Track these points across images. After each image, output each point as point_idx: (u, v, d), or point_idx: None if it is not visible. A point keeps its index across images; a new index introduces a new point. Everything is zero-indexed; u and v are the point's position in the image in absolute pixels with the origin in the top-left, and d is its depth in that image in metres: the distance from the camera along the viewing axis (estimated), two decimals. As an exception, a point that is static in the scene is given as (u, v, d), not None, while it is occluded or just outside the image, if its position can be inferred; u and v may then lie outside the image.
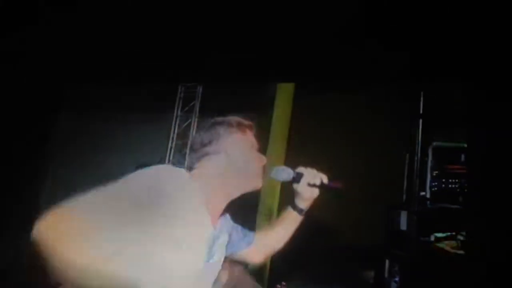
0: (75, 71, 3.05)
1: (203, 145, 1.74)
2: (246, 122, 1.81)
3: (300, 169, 1.85)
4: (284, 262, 2.97)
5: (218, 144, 1.75)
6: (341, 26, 2.80)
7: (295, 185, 1.86)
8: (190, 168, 1.76)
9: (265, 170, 1.79)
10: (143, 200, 1.61)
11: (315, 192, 1.85)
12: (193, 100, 3.17)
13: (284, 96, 3.11)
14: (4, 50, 2.91)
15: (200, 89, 3.17)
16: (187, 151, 1.83)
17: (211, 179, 1.71)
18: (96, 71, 3.04)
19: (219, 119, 1.81)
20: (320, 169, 2.05)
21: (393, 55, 2.88)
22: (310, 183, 1.84)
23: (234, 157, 1.75)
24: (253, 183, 1.77)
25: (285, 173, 1.85)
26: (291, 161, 3.01)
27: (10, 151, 2.93)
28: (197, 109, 3.16)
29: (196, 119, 3.15)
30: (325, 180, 1.84)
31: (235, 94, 3.01)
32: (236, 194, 1.75)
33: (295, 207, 1.89)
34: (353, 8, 2.76)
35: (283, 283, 2.98)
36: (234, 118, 1.83)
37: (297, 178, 1.85)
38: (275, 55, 2.81)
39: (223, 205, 1.75)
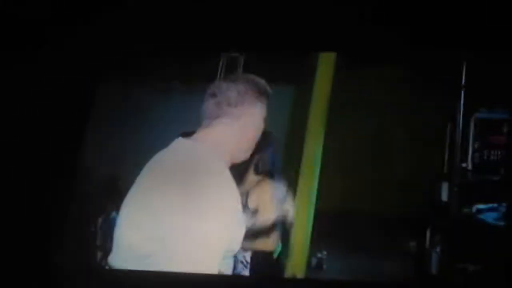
0: (115, 40, 3.05)
1: (229, 104, 1.80)
2: (270, 91, 1.89)
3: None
4: (324, 231, 2.99)
5: (242, 110, 1.81)
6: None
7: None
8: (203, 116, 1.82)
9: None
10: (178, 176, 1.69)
11: None
12: (235, 71, 3.18)
13: (325, 66, 3.10)
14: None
15: (242, 58, 3.17)
16: (209, 96, 1.84)
17: (218, 143, 1.78)
18: (136, 41, 3.04)
19: (251, 81, 1.85)
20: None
21: (434, 24, 2.84)
22: None
23: (249, 128, 1.83)
24: (247, 153, 1.88)
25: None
26: (332, 132, 3.03)
27: (50, 123, 2.95)
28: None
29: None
30: None
31: (276, 64, 3.00)
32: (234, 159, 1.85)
33: None
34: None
35: (324, 252, 3.01)
36: (262, 84, 1.88)
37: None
38: (317, 24, 2.79)
39: None
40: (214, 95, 1.88)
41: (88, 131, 3.03)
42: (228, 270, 1.86)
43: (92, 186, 3.25)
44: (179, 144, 1.90)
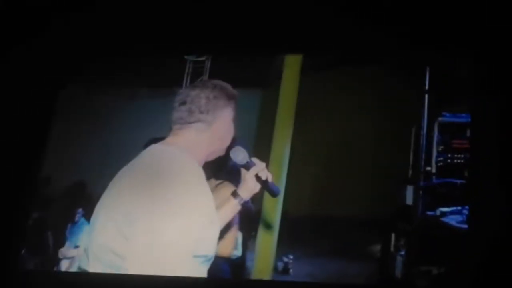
0: (79, 45, 3.01)
1: (200, 111, 1.83)
2: (236, 93, 1.92)
3: (254, 159, 1.94)
4: (291, 235, 3.00)
5: (213, 116, 1.84)
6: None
7: (243, 172, 1.93)
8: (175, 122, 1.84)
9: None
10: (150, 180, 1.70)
11: (258, 186, 1.94)
12: (201, 75, 3.18)
13: (291, 69, 3.12)
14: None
15: (208, 64, 3.17)
16: (179, 104, 1.86)
17: (190, 146, 1.80)
18: (101, 45, 3.00)
19: (219, 86, 1.88)
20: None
21: (397, 27, 2.86)
22: (258, 175, 1.92)
23: (221, 131, 1.85)
24: (221, 152, 1.89)
25: (241, 155, 1.94)
26: (299, 134, 3.04)
27: (12, 124, 2.89)
28: (205, 84, 3.18)
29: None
30: (270, 178, 1.94)
31: (243, 68, 3.01)
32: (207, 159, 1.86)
33: (236, 195, 1.96)
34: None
35: (290, 256, 3.01)
36: (229, 89, 1.91)
37: (249, 165, 1.92)
38: (283, 26, 2.79)
39: None
40: (184, 103, 1.89)
41: (51, 137, 2.98)
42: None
43: (57, 192, 3.20)
44: (151, 149, 1.91)
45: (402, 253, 2.94)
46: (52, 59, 2.94)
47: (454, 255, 2.64)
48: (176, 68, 3.23)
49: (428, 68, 3.07)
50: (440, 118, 3.09)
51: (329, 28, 2.79)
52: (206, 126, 1.86)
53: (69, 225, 3.13)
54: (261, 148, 3.10)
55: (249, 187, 1.93)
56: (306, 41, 2.79)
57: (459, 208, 2.86)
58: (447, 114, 3.09)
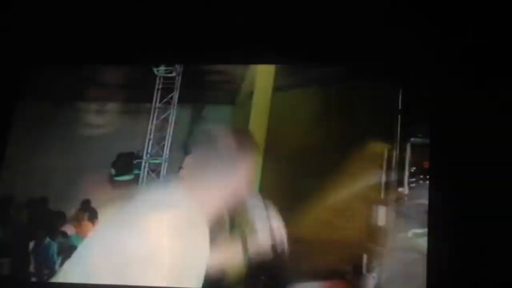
0: (43, 55, 2.95)
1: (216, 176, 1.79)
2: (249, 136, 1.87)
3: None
4: (262, 257, 2.94)
5: (229, 178, 1.81)
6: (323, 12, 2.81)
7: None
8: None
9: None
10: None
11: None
12: (172, 92, 3.16)
13: (263, 85, 3.10)
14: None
15: (179, 80, 3.15)
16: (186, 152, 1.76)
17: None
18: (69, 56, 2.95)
19: (229, 140, 1.83)
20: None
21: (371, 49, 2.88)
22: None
23: (241, 183, 1.82)
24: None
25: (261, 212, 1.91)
26: (270, 153, 3.00)
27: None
28: (176, 100, 3.15)
29: (175, 111, 3.12)
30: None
31: (213, 85, 3.00)
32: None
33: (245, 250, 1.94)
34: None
35: (262, 277, 2.96)
36: (242, 139, 1.87)
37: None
38: (256, 37, 2.79)
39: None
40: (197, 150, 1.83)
41: (11, 151, 2.92)
42: None
43: (17, 210, 3.13)
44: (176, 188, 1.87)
45: (374, 274, 2.91)
46: (10, 67, 2.89)
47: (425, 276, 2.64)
48: (147, 84, 3.19)
49: (400, 90, 3.09)
50: (412, 139, 3.09)
51: (305, 41, 2.79)
52: (224, 184, 1.79)
53: (33, 244, 3.05)
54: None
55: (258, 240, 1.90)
56: (278, 53, 2.78)
57: (431, 229, 2.86)
58: (420, 135, 3.10)
